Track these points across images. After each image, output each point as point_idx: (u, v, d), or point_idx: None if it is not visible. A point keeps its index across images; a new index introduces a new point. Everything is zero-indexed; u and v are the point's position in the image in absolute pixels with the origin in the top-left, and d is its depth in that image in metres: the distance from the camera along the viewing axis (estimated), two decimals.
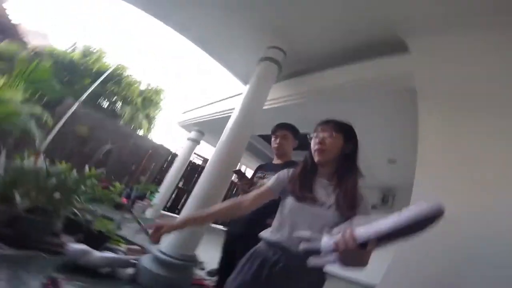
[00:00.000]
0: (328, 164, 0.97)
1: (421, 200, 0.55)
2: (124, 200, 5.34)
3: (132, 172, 7.27)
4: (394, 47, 2.67)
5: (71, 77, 8.62)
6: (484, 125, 1.77)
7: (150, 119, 10.91)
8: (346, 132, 1.00)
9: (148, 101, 10.73)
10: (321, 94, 3.47)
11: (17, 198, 1.40)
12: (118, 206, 4.14)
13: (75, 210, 1.85)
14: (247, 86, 3.22)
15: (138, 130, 10.11)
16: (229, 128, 2.81)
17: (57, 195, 1.76)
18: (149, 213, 5.99)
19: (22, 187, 1.59)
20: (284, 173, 1.02)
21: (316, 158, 0.97)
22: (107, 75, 8.42)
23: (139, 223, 3.84)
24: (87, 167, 2.34)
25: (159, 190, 6.11)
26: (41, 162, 2.12)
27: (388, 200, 4.55)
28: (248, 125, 2.91)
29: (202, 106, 6.31)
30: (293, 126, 1.69)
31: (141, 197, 6.26)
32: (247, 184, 1.49)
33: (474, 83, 1.97)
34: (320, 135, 0.98)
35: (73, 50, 9.66)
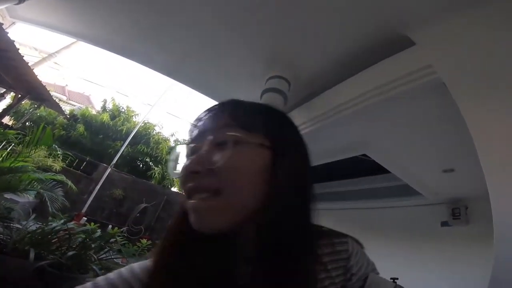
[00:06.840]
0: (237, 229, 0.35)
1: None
2: None
3: None
4: (400, 45, 2.44)
5: (103, 139, 9.53)
6: None
7: None
8: (274, 130, 0.40)
9: None
10: (338, 113, 2.86)
11: (31, 255, 1.48)
12: None
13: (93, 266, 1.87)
14: None
15: (172, 187, 10.31)
16: None
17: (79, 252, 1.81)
18: None
19: (44, 245, 1.69)
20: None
21: (193, 219, 0.34)
22: (136, 136, 9.15)
23: None
24: (110, 227, 2.45)
25: None
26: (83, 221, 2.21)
27: (459, 213, 3.72)
28: None
29: None
30: None
31: None
32: None
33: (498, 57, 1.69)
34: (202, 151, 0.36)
35: (104, 110, 10.72)
